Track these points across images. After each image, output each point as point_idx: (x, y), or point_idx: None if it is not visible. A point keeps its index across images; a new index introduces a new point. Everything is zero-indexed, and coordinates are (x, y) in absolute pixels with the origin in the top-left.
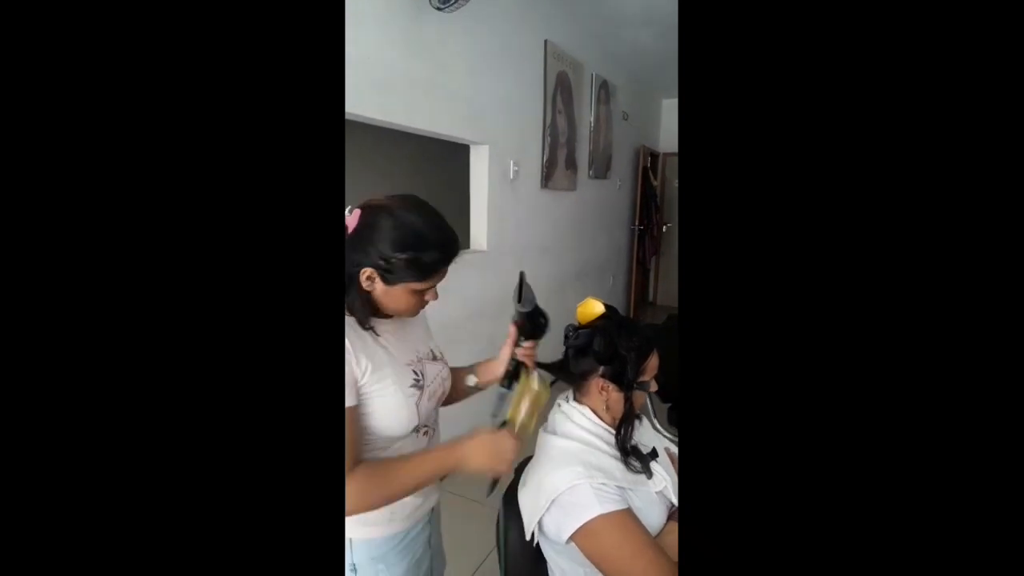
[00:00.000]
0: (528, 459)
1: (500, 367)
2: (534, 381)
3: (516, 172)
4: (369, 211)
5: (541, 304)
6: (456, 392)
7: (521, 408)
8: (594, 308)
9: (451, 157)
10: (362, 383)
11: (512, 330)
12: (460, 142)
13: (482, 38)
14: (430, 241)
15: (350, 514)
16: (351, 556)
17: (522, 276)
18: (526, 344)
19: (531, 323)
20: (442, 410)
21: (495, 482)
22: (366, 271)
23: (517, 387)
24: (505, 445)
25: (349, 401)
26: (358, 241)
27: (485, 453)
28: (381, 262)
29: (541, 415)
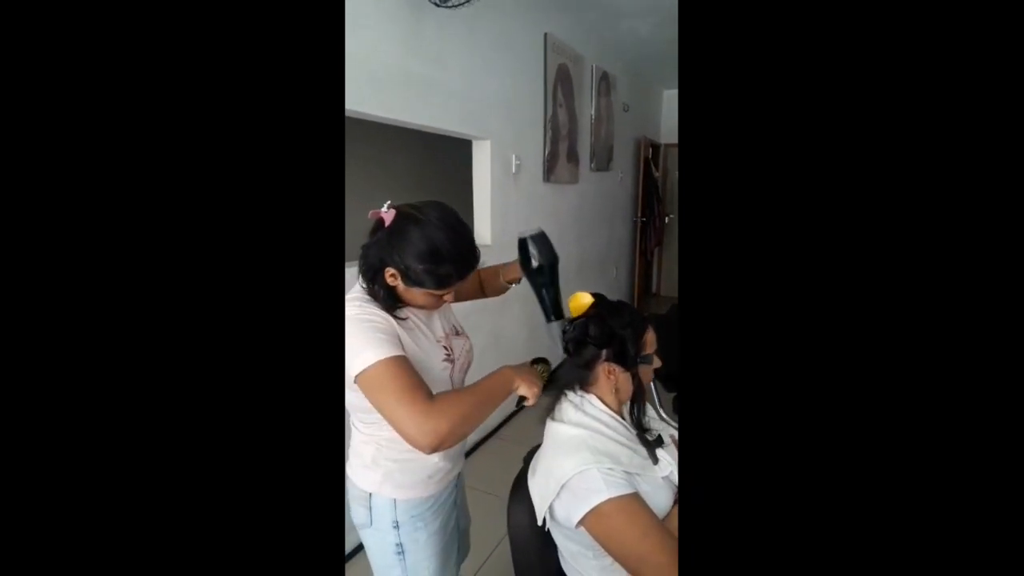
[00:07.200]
0: (536, 447)
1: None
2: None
3: (518, 166)
4: (402, 218)
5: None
6: (493, 289)
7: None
8: (583, 300)
9: (453, 153)
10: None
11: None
12: (462, 137)
13: (482, 32)
14: (447, 258)
15: (446, 442)
16: (395, 514)
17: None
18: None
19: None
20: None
21: (523, 399)
22: (390, 270)
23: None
24: (537, 379)
25: (399, 352)
26: (387, 242)
27: (527, 381)
28: (403, 267)
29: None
